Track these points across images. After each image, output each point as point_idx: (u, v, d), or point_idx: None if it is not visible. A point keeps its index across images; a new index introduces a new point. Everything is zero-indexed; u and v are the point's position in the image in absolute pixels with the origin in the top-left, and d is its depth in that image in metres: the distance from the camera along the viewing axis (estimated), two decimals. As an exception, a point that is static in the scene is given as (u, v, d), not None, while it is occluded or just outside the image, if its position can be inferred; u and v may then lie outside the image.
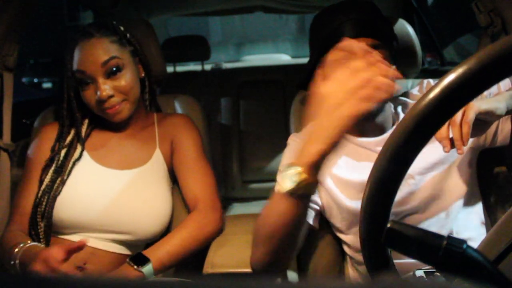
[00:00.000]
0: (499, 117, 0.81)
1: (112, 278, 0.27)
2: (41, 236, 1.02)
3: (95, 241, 1.03)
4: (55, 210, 1.02)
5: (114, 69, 1.04)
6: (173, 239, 1.00)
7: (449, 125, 0.80)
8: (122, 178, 1.07)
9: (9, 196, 1.17)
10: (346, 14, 0.97)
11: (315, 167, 0.67)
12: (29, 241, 0.98)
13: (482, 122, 0.81)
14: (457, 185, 0.99)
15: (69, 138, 1.12)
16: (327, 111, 0.65)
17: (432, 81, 1.13)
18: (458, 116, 0.79)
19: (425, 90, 1.10)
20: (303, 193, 0.70)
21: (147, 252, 0.97)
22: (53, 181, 1.05)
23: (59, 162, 1.08)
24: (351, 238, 1.03)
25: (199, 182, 1.09)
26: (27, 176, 1.10)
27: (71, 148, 1.10)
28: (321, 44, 1.02)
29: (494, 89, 1.00)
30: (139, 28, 1.26)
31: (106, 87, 1.03)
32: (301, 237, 0.85)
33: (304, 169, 0.67)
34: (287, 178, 0.68)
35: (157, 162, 1.12)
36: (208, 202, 1.06)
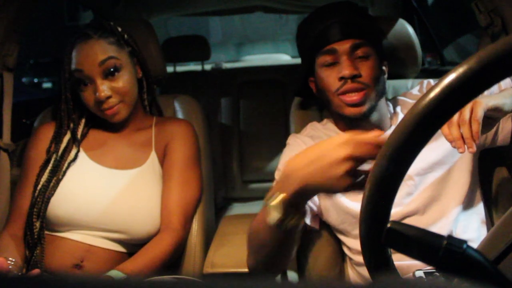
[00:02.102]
0: (506, 113, 0.80)
1: (112, 278, 0.27)
2: (35, 236, 1.03)
3: (91, 238, 1.03)
4: (51, 207, 1.03)
5: (112, 69, 1.04)
6: (145, 257, 0.99)
7: (459, 125, 0.79)
8: (118, 178, 1.08)
9: (9, 196, 1.17)
10: (328, 19, 0.99)
11: (297, 200, 0.67)
12: (9, 260, 0.99)
13: (490, 118, 0.81)
14: (457, 186, 0.99)
15: (66, 138, 1.12)
16: (322, 168, 0.62)
17: (432, 81, 1.13)
18: (466, 114, 0.78)
19: (425, 90, 1.10)
20: (288, 227, 0.68)
21: (122, 267, 0.96)
22: (48, 181, 1.06)
23: (55, 162, 1.08)
24: (351, 240, 1.03)
25: (177, 195, 1.08)
26: (24, 176, 1.10)
27: (67, 148, 1.10)
28: (308, 51, 1.03)
29: (495, 88, 1.00)
30: (139, 28, 1.26)
31: (104, 88, 1.03)
32: (294, 248, 0.84)
33: (286, 200, 0.66)
34: (273, 210, 0.67)
35: (152, 165, 1.12)
36: (181, 221, 1.06)
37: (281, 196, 0.66)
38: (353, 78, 0.95)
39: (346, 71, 0.95)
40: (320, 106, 1.25)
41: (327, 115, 1.19)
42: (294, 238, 0.76)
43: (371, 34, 1.01)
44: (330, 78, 0.98)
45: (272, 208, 0.67)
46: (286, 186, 0.66)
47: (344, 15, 0.99)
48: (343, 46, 0.97)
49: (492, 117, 0.81)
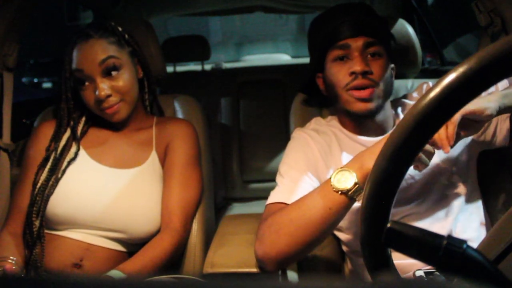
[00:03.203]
0: (489, 116, 0.80)
1: (112, 278, 0.27)
2: (34, 235, 1.03)
3: (90, 237, 1.03)
4: (51, 206, 1.03)
5: (112, 68, 1.05)
6: (145, 257, 1.00)
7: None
8: (118, 177, 1.08)
9: (9, 195, 1.17)
10: (341, 17, 1.00)
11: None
12: (10, 259, 0.99)
13: (473, 121, 0.81)
14: (457, 186, 0.99)
15: (65, 137, 1.12)
16: None
17: (431, 83, 1.14)
18: None
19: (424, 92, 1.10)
20: (354, 195, 0.80)
21: (122, 267, 0.96)
22: (48, 179, 1.06)
23: (54, 160, 1.08)
24: (349, 238, 1.03)
25: (178, 196, 1.08)
26: (24, 175, 1.10)
27: (66, 146, 1.10)
28: (319, 47, 1.03)
29: (491, 88, 1.00)
30: (139, 28, 1.26)
31: (104, 87, 1.04)
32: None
33: (360, 176, 0.79)
34: (346, 179, 0.79)
35: (153, 164, 1.12)
36: (181, 221, 1.06)
37: (354, 174, 0.79)
38: (364, 74, 0.96)
39: (358, 67, 0.96)
40: (320, 106, 1.25)
41: (327, 115, 1.19)
42: (345, 214, 0.85)
43: (383, 34, 1.02)
44: (340, 73, 0.99)
45: (346, 177, 0.80)
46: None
47: (359, 15, 1.00)
48: (356, 43, 0.98)
49: (475, 120, 0.81)
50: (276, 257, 0.85)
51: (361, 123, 1.04)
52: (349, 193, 0.80)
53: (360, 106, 0.98)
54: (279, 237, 0.84)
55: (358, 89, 0.97)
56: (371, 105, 0.97)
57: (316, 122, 1.12)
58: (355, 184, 0.79)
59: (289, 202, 0.91)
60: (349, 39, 0.98)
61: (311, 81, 1.13)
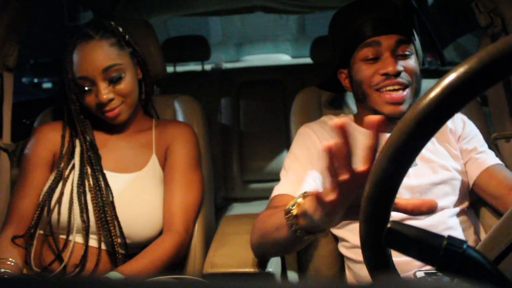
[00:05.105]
0: None
1: (114, 279, 0.27)
2: (35, 237, 1.03)
3: (91, 240, 1.02)
4: (52, 209, 1.02)
5: (115, 75, 1.04)
6: (145, 259, 1.00)
7: None
8: (119, 182, 1.07)
9: (9, 196, 1.17)
10: (368, 13, 0.96)
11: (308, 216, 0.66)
12: (9, 261, 0.99)
13: None
14: (458, 186, 0.99)
15: (70, 140, 1.11)
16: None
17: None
18: None
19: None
20: (288, 216, 0.70)
21: (122, 269, 0.96)
22: (52, 189, 1.05)
23: (60, 167, 1.07)
24: (349, 237, 1.02)
25: (179, 198, 1.08)
26: (23, 177, 1.09)
27: (73, 152, 1.10)
28: (343, 44, 1.00)
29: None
30: (139, 28, 1.26)
31: (106, 91, 1.03)
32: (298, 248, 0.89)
33: (298, 209, 0.68)
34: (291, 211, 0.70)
35: (153, 168, 1.11)
36: (183, 224, 1.06)
37: (294, 211, 0.69)
38: (397, 75, 0.94)
39: (390, 67, 0.93)
40: (320, 106, 1.24)
41: (327, 115, 1.19)
42: (296, 247, 0.82)
43: (411, 31, 0.99)
44: (369, 71, 0.96)
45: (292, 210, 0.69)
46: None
47: (389, 11, 0.97)
48: (388, 41, 0.94)
49: None
50: (253, 248, 0.91)
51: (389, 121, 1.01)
52: (286, 209, 0.71)
53: (392, 109, 0.95)
54: (252, 234, 0.90)
55: (390, 91, 0.94)
56: (403, 108, 0.94)
57: (327, 116, 1.11)
58: (291, 212, 0.70)
59: (294, 194, 0.90)
60: (380, 36, 0.94)
61: (333, 77, 1.09)
